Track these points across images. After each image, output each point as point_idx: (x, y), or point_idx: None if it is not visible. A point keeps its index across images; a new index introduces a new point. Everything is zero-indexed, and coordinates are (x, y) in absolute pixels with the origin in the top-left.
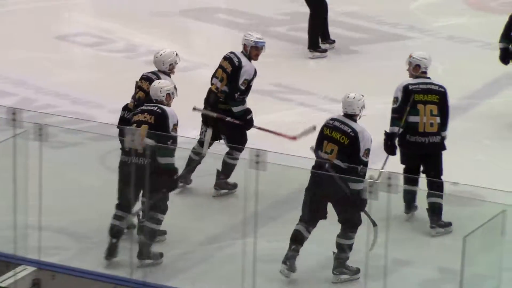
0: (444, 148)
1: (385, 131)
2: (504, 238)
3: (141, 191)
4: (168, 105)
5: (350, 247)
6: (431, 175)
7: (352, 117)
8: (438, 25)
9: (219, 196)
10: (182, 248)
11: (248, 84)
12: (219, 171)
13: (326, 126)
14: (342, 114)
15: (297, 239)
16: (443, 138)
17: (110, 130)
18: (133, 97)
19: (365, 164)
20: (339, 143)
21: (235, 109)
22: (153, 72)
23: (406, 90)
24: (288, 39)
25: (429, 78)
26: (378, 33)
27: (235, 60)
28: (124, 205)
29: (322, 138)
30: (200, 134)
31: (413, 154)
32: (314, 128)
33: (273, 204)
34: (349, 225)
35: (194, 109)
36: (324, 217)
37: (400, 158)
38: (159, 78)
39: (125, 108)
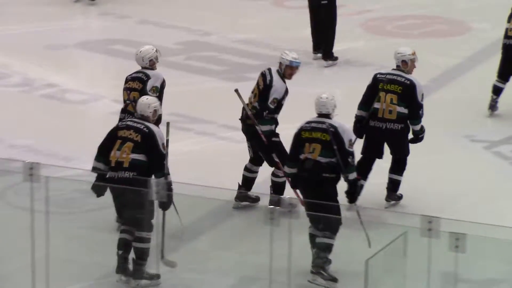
0: (403, 136)
1: (355, 114)
2: (407, 259)
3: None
4: (153, 121)
5: (329, 247)
6: (395, 156)
7: (327, 116)
8: (335, 50)
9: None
10: (83, 283)
11: (279, 103)
12: (239, 184)
13: (304, 130)
14: (316, 115)
15: (311, 241)
16: (407, 128)
17: (9, 165)
18: (128, 100)
19: (352, 154)
20: (322, 141)
21: (262, 128)
22: (138, 71)
23: (374, 78)
24: (185, 68)
25: (402, 71)
26: (274, 60)
27: (268, 78)
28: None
29: (302, 141)
30: (249, 151)
31: (373, 141)
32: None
33: (177, 234)
34: (332, 225)
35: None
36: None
37: (362, 147)
38: (146, 75)
39: (125, 111)
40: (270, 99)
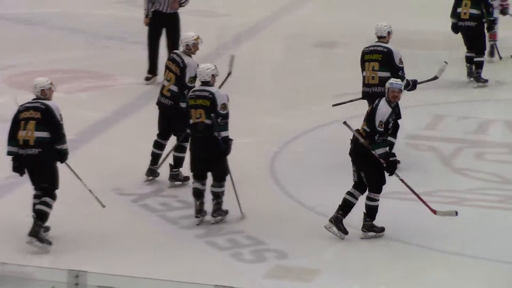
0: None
1: None
2: None
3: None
4: (48, 98)
5: (223, 193)
6: None
7: (208, 83)
8: None
9: (366, 238)
10: None
11: (386, 127)
12: (365, 213)
13: (190, 98)
14: (200, 84)
15: (198, 195)
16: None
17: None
18: (166, 78)
19: (223, 115)
20: (204, 107)
21: (376, 152)
22: (178, 54)
23: (362, 52)
24: None
25: (382, 42)
26: None
27: (376, 102)
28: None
29: (190, 107)
30: (353, 175)
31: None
32: (456, 213)
33: None
34: (220, 176)
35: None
36: (208, 171)
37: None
38: (183, 61)
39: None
40: (377, 123)
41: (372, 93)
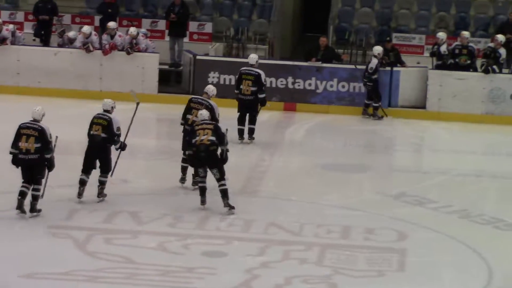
0: (257, 103)
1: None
2: None
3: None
4: (41, 120)
5: (106, 181)
6: (246, 118)
7: (108, 111)
8: None
9: (231, 214)
10: None
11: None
12: None
13: (95, 117)
14: (103, 110)
15: (83, 183)
16: (258, 98)
17: None
18: (196, 116)
19: (118, 135)
20: (102, 125)
21: (226, 149)
22: (203, 99)
23: (239, 72)
24: None
25: (253, 67)
26: None
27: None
28: (27, 181)
29: (92, 124)
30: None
31: (240, 106)
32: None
33: None
34: (105, 168)
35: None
36: (95, 168)
37: (238, 108)
38: (210, 104)
39: (186, 123)
40: (222, 132)
41: (246, 100)
